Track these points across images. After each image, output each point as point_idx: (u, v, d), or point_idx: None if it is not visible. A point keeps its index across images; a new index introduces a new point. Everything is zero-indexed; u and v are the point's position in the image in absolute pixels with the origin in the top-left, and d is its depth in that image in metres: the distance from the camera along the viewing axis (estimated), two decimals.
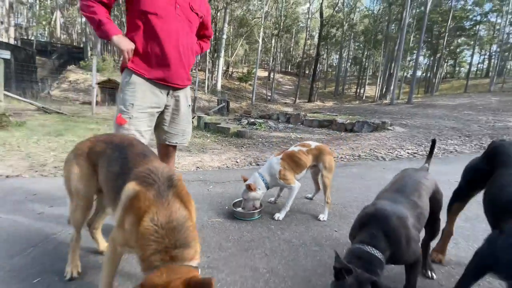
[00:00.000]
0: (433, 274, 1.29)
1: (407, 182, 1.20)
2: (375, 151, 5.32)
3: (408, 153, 5.33)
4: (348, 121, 9.38)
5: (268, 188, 1.90)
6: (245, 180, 1.92)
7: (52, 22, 41.47)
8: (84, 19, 42.68)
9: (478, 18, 31.61)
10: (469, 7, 31.16)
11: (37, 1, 38.01)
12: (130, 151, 1.04)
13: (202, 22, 1.71)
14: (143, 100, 1.47)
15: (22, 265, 1.30)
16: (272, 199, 2.24)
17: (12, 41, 24.35)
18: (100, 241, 1.42)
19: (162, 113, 1.61)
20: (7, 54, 10.28)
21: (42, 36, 41.66)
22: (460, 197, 1.38)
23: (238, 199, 2.01)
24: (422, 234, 1.25)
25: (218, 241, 1.56)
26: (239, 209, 1.92)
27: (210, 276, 1.11)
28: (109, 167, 1.04)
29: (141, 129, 1.48)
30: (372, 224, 0.99)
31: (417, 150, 5.52)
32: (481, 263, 0.95)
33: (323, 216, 1.92)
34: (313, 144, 2.04)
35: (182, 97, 1.65)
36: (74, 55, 27.32)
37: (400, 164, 3.87)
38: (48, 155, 3.72)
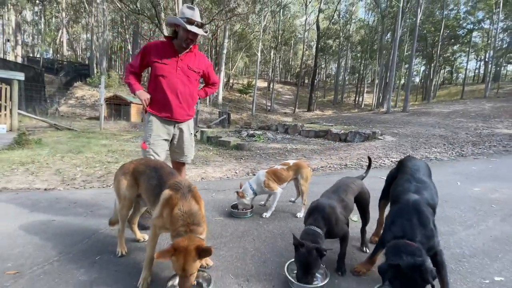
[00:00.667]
0: (367, 249, 1.85)
1: (340, 186, 1.80)
2: (362, 160, 5.88)
3: (391, 161, 5.89)
4: (342, 131, 9.97)
5: (255, 194, 2.47)
6: (241, 186, 2.52)
7: (58, 40, 43.06)
8: (88, 36, 44.35)
9: (471, 26, 32.49)
10: (462, 15, 32.13)
11: (43, 20, 39.61)
12: (162, 171, 1.64)
13: (205, 74, 2.38)
14: (157, 131, 2.19)
15: (83, 250, 1.88)
16: (262, 202, 2.81)
17: (19, 59, 25.47)
18: (136, 232, 2.00)
19: (172, 140, 2.31)
20: (21, 76, 11.09)
21: (47, 52, 43.16)
22: (384, 195, 1.96)
23: (235, 202, 2.59)
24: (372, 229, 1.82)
25: (220, 232, 2.14)
26: (236, 210, 2.51)
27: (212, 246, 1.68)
28: (149, 181, 1.64)
29: (157, 151, 2.19)
30: (315, 212, 1.57)
31: (400, 158, 6.07)
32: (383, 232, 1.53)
33: (300, 214, 2.49)
34: (291, 162, 2.64)
35: (185, 128, 2.33)
36: (80, 72, 28.38)
37: (380, 172, 4.41)
38: (75, 171, 4.34)
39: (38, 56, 37.07)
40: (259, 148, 7.72)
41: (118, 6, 19.07)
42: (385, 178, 2.00)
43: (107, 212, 2.47)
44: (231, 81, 39.78)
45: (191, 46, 2.19)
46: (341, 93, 39.79)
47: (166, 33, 15.63)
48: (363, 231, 1.91)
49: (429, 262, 1.22)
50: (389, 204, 1.81)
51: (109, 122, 17.22)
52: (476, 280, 1.53)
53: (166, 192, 1.47)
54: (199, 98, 2.52)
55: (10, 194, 3.16)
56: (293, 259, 1.54)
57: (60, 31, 40.47)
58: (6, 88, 9.47)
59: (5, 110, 9.50)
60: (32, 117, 12.05)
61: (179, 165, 2.41)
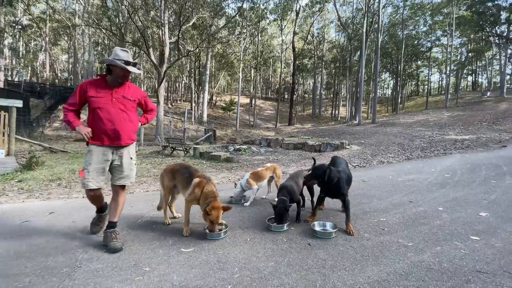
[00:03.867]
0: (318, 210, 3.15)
1: (295, 174, 3.13)
2: None
3: (353, 165, 7.32)
4: (317, 143, 11.47)
5: (243, 189, 3.69)
6: (235, 185, 3.76)
7: (39, 63, 42.98)
8: (67, 57, 44.56)
9: (429, 44, 36.37)
10: (420, 35, 35.96)
11: (21, 42, 39.66)
12: (191, 168, 2.84)
13: (141, 103, 2.66)
14: (96, 159, 2.38)
15: (142, 224, 3.02)
16: (264, 196, 4.02)
17: (1, 84, 25.54)
18: (174, 212, 3.16)
19: (111, 164, 2.47)
20: (19, 103, 11.82)
21: (25, 76, 42.84)
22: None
23: (231, 196, 3.82)
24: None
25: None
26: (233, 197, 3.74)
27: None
28: (183, 174, 2.82)
29: (94, 178, 2.36)
30: (282, 189, 2.85)
31: (360, 163, 7.54)
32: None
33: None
34: (269, 164, 3.93)
35: (125, 153, 2.50)
36: (64, 95, 28.67)
37: None
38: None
39: (16, 80, 36.91)
40: (246, 160, 8.97)
41: (102, 31, 20.13)
42: None
43: (141, 206, 3.60)
44: (214, 98, 41.19)
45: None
46: (318, 107, 42.24)
47: (153, 59, 16.94)
48: (312, 201, 3.22)
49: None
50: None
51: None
52: (369, 220, 2.85)
53: (197, 179, 2.66)
54: (147, 123, 2.76)
55: (69, 200, 4.19)
56: (271, 216, 2.80)
57: (42, 54, 40.69)
58: (5, 115, 9.99)
59: (3, 135, 9.79)
60: (28, 141, 12.63)
61: (117, 188, 2.54)
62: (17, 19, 33.40)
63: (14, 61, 39.41)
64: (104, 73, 2.52)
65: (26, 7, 32.25)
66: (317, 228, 2.57)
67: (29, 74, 44.33)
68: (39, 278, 1.88)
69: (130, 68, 2.40)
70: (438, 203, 3.35)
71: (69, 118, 2.38)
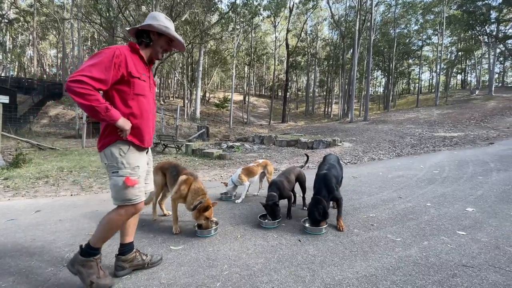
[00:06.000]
0: (305, 208, 3.16)
1: (286, 170, 3.11)
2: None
3: (344, 162, 7.38)
4: (309, 140, 11.52)
5: (235, 185, 3.66)
6: (225, 185, 3.73)
7: (26, 57, 41.85)
8: (55, 52, 43.41)
9: (420, 43, 36.81)
10: (412, 34, 36.36)
11: (9, 38, 38.59)
12: (179, 167, 2.78)
13: None
14: (144, 164, 1.81)
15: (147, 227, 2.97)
16: (256, 193, 4.00)
17: None
18: (164, 209, 3.13)
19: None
20: (6, 99, 11.52)
21: (12, 71, 41.76)
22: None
23: (221, 193, 3.80)
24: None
25: (216, 208, 3.32)
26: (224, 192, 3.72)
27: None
28: (172, 173, 2.77)
29: (142, 185, 1.77)
30: (272, 184, 2.84)
31: (351, 160, 7.61)
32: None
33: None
34: (261, 160, 3.92)
35: (150, 153, 1.99)
36: (52, 91, 28.05)
37: None
38: (89, 181, 5.28)
39: (3, 75, 35.88)
40: (239, 157, 8.94)
41: (92, 26, 19.70)
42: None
43: None
44: (207, 95, 40.89)
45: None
46: (312, 105, 42.41)
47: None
48: (303, 198, 3.22)
49: (324, 205, 2.51)
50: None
51: (90, 140, 17.48)
52: (359, 216, 2.88)
53: (184, 176, 2.60)
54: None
55: (54, 199, 4.10)
56: (262, 213, 2.79)
57: (29, 48, 39.65)
58: None
59: None
60: (16, 138, 12.30)
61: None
62: (3, 12, 32.42)
63: (0, 56, 38.31)
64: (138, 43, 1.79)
65: (13, 0, 31.32)
66: (308, 224, 2.57)
67: (16, 69, 43.21)
68: (23, 277, 1.84)
69: (180, 39, 1.86)
70: (426, 199, 3.41)
71: (105, 104, 1.53)
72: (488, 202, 3.21)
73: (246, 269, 1.90)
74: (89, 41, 40.70)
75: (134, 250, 1.97)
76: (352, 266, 1.89)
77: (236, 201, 3.58)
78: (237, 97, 45.87)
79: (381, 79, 54.89)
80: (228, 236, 2.49)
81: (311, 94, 43.92)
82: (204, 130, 18.66)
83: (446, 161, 6.30)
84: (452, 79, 50.75)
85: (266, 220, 2.71)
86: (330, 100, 38.92)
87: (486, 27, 28.19)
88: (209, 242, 2.36)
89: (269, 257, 2.06)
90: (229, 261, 2.02)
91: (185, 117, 27.53)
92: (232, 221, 2.88)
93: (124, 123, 1.62)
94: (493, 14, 27.44)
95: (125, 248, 1.92)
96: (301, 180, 3.19)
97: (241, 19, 27.39)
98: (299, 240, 2.34)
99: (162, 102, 34.21)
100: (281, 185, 2.85)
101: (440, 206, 3.13)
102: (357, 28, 20.31)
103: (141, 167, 1.76)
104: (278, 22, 32.06)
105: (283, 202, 2.92)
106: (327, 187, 2.65)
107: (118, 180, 1.66)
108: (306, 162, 3.55)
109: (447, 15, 28.38)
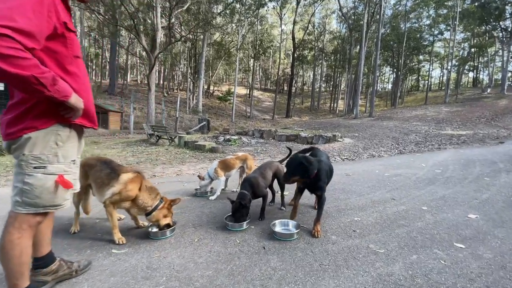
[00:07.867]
0: (284, 208, 2.78)
1: (263, 165, 2.72)
2: None
3: (341, 158, 6.96)
4: (309, 135, 11.08)
5: (211, 179, 3.31)
6: (200, 178, 3.36)
7: None
8: None
9: (432, 38, 35.55)
10: (423, 28, 35.11)
11: None
12: (113, 163, 2.22)
13: None
14: (79, 153, 1.41)
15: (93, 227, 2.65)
16: (234, 189, 3.63)
17: None
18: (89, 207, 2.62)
19: None
20: (1, 86, 11.36)
21: None
22: None
23: (196, 188, 3.45)
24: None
25: (187, 205, 2.97)
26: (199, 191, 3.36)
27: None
28: (102, 171, 2.15)
29: (77, 185, 1.41)
30: (245, 182, 2.47)
31: (349, 156, 7.18)
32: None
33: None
34: (240, 153, 3.53)
35: (82, 141, 1.50)
36: None
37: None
38: None
39: None
40: (232, 151, 8.59)
41: (96, 16, 19.41)
42: None
43: None
44: (211, 88, 40.51)
45: None
46: (317, 100, 41.68)
47: (144, 44, 16.27)
48: (282, 196, 2.85)
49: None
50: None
51: (87, 130, 17.37)
52: (341, 219, 2.49)
53: (130, 175, 2.09)
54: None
55: None
56: (229, 214, 2.43)
57: None
58: None
59: None
60: None
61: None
62: None
63: None
64: None
65: None
66: (277, 228, 2.21)
67: None
68: None
69: None
70: (423, 202, 3.00)
71: (51, 72, 1.07)
72: (494, 207, 2.79)
73: (187, 284, 1.55)
74: (95, 32, 40.46)
75: (58, 259, 1.61)
76: (316, 285, 1.52)
77: (210, 198, 3.23)
78: (242, 90, 45.38)
79: (389, 75, 53.60)
80: (184, 239, 2.14)
81: (317, 89, 43.12)
82: (204, 123, 18.33)
83: (450, 159, 5.83)
84: (463, 76, 49.16)
85: (232, 218, 2.35)
86: (336, 96, 38.15)
87: (500, 22, 26.96)
88: (158, 246, 2.01)
89: (220, 268, 1.70)
90: (171, 271, 1.67)
91: (187, 109, 27.25)
92: (196, 221, 2.52)
93: (77, 101, 1.21)
94: (509, 9, 26.19)
95: (43, 261, 1.52)
96: (279, 175, 2.81)
97: (246, 9, 26.72)
98: (264, 248, 1.97)
99: (166, 94, 33.97)
100: (254, 182, 2.48)
101: (438, 210, 2.72)
102: (365, 21, 19.56)
103: (76, 161, 1.38)
104: (285, 14, 31.26)
105: (258, 202, 2.56)
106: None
107: (44, 179, 1.23)
108: (287, 157, 3.15)
109: (460, 9, 27.19)
